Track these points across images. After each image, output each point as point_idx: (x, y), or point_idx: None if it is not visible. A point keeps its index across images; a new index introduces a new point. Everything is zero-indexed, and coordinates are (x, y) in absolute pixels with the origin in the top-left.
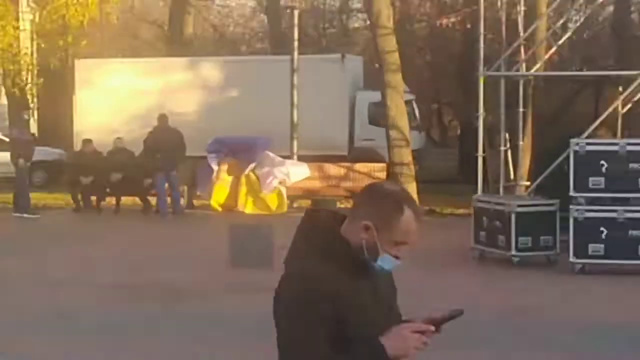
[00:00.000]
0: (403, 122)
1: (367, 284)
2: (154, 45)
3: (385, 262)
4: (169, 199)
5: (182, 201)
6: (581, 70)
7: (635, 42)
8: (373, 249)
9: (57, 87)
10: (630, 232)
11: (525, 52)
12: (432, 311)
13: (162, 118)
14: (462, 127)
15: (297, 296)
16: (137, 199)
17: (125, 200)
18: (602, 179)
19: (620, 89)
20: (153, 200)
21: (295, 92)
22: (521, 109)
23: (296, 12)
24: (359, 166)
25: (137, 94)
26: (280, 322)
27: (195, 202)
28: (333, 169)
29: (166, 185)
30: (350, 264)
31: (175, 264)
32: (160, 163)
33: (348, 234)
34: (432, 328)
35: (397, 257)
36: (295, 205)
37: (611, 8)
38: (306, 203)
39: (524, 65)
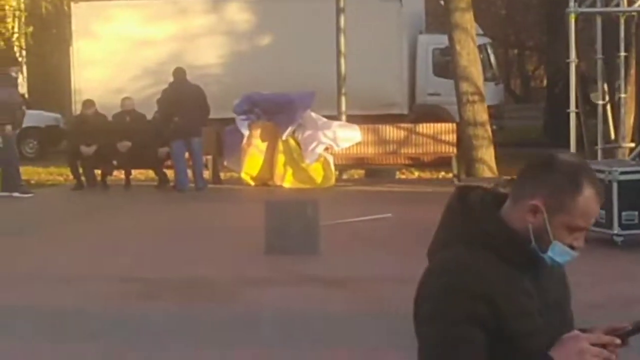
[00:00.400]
0: (476, 72)
1: (533, 280)
2: None
3: (557, 252)
4: (189, 172)
5: (206, 174)
6: None
7: None
8: (542, 236)
9: (50, 37)
10: None
11: None
12: (612, 321)
13: (179, 72)
14: (549, 77)
15: (442, 294)
16: (151, 172)
17: (136, 173)
18: None
19: None
20: (170, 173)
21: (342, 38)
22: (622, 53)
23: None
24: (422, 127)
25: (147, 43)
26: (421, 330)
27: (222, 174)
28: (391, 132)
29: (186, 154)
30: (512, 255)
31: (199, 251)
32: (178, 127)
33: (510, 218)
34: (618, 341)
35: (572, 247)
36: (344, 176)
37: None
38: (359, 174)
39: None
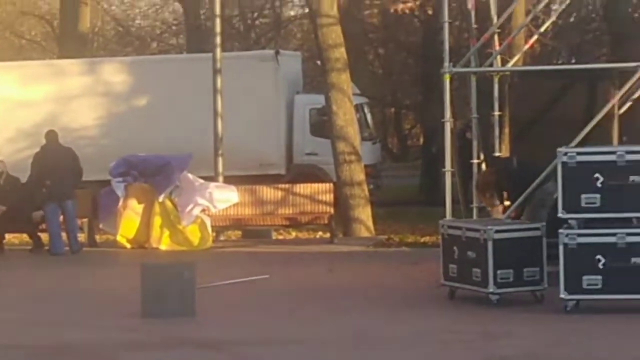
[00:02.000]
0: (353, 132)
1: None
2: (43, 45)
3: None
4: (64, 235)
5: (82, 237)
6: (569, 62)
7: (633, 27)
8: None
9: None
10: (633, 259)
11: (500, 43)
12: None
13: (51, 135)
14: (426, 135)
15: None
16: (25, 236)
17: (10, 237)
18: (598, 196)
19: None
20: (45, 237)
21: (219, 98)
22: (496, 113)
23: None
24: (299, 187)
25: (23, 105)
26: None
27: (98, 237)
28: (268, 192)
29: (61, 217)
30: None
31: (75, 315)
32: (50, 191)
33: None
34: None
35: None
36: (222, 238)
37: None
38: (236, 235)
39: (498, 58)
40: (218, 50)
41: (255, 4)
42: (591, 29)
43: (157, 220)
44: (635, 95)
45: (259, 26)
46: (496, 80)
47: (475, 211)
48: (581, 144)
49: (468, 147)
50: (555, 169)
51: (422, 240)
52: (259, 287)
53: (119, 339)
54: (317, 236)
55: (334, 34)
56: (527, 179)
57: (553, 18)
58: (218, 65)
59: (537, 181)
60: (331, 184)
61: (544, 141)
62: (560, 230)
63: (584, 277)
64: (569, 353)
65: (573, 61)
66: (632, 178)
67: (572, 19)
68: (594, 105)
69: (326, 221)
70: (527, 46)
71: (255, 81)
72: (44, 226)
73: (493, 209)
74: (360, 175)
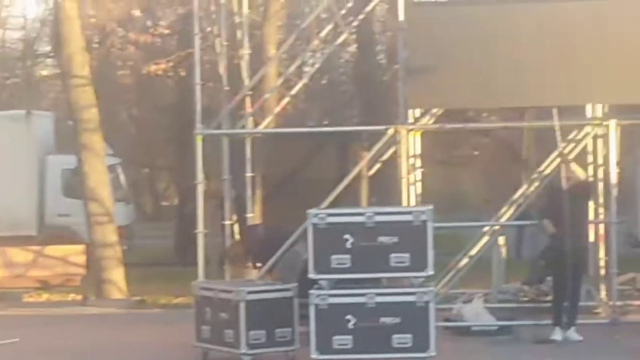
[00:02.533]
0: (105, 193)
1: None
2: None
3: None
4: None
5: None
6: (320, 124)
7: (382, 90)
8: None
9: None
10: (382, 319)
11: (253, 104)
12: None
13: None
14: (181, 196)
15: None
16: None
17: None
18: (348, 257)
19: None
20: None
21: None
22: (249, 174)
23: None
24: (51, 249)
25: None
26: None
27: None
28: (18, 254)
29: None
30: None
31: None
32: None
33: None
34: None
35: None
36: None
37: (354, 48)
38: None
39: (250, 119)
40: None
41: (8, 64)
42: (343, 92)
43: None
44: (384, 157)
45: (10, 86)
46: (248, 141)
47: (227, 272)
48: (332, 204)
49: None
50: (305, 230)
51: (176, 301)
52: (7, 352)
53: None
54: (70, 299)
55: (85, 95)
56: (276, 243)
57: (304, 80)
58: None
59: (288, 243)
60: (84, 246)
61: (295, 202)
62: (311, 291)
63: (334, 337)
64: None
65: (325, 123)
66: (380, 239)
67: (324, 82)
68: (344, 167)
69: (78, 283)
70: (278, 108)
71: (6, 141)
72: None
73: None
74: (113, 237)
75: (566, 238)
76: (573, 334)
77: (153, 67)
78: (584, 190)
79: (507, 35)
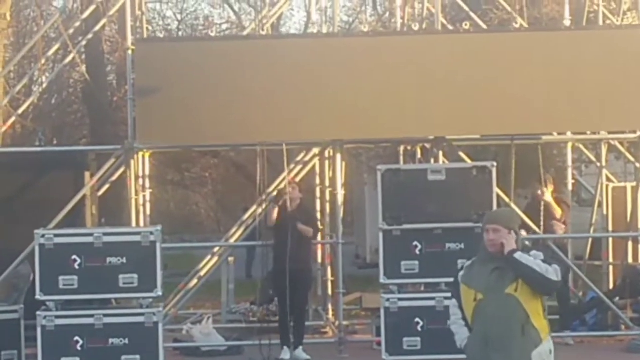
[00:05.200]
0: None
1: None
2: None
3: None
4: None
5: None
6: (50, 143)
7: (110, 111)
8: None
9: None
10: (110, 340)
11: None
12: None
13: None
14: None
15: None
16: None
17: None
18: (76, 278)
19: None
20: None
21: None
22: None
23: None
24: None
25: None
26: None
27: None
28: None
29: None
30: None
31: None
32: None
33: None
34: None
35: None
36: None
37: (84, 69)
38: None
39: None
40: None
41: None
42: (72, 111)
43: None
44: (113, 178)
45: None
46: None
47: None
48: (62, 226)
49: None
50: (32, 251)
51: None
52: None
53: None
54: None
55: None
56: (1, 264)
57: (32, 99)
58: None
59: (15, 264)
60: None
61: (23, 223)
62: (38, 312)
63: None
64: None
65: (54, 143)
66: (109, 259)
67: (53, 101)
68: (74, 187)
69: None
70: (5, 127)
71: None
72: None
73: None
74: None
75: (289, 259)
76: (301, 353)
77: None
78: (307, 212)
79: (239, 71)
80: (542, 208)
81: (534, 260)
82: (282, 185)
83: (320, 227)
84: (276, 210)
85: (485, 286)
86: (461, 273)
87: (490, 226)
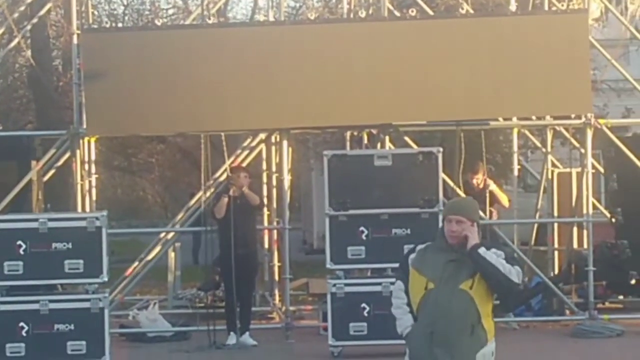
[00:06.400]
0: None
1: None
2: None
3: None
4: None
5: None
6: None
7: (56, 95)
8: None
9: None
10: (56, 326)
11: None
12: None
13: None
14: None
15: None
16: None
17: None
18: (20, 263)
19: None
20: None
21: None
22: None
23: None
24: None
25: None
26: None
27: None
28: None
29: None
30: None
31: None
32: None
33: None
34: None
35: None
36: None
37: (29, 53)
38: None
39: None
40: None
41: None
42: (18, 97)
43: None
44: (59, 163)
45: None
46: None
47: None
48: (6, 211)
49: None
50: None
51: None
52: None
53: None
54: None
55: None
56: None
57: None
58: None
59: None
60: None
61: None
62: None
63: (8, 345)
64: None
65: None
66: (54, 245)
67: None
68: (19, 172)
69: None
70: None
71: None
72: None
73: None
74: None
75: (234, 244)
76: (248, 338)
77: None
78: (252, 198)
79: (185, 60)
80: (487, 195)
81: (497, 259)
82: (228, 171)
83: (267, 212)
84: (226, 201)
85: (438, 276)
86: (412, 256)
87: (454, 217)
